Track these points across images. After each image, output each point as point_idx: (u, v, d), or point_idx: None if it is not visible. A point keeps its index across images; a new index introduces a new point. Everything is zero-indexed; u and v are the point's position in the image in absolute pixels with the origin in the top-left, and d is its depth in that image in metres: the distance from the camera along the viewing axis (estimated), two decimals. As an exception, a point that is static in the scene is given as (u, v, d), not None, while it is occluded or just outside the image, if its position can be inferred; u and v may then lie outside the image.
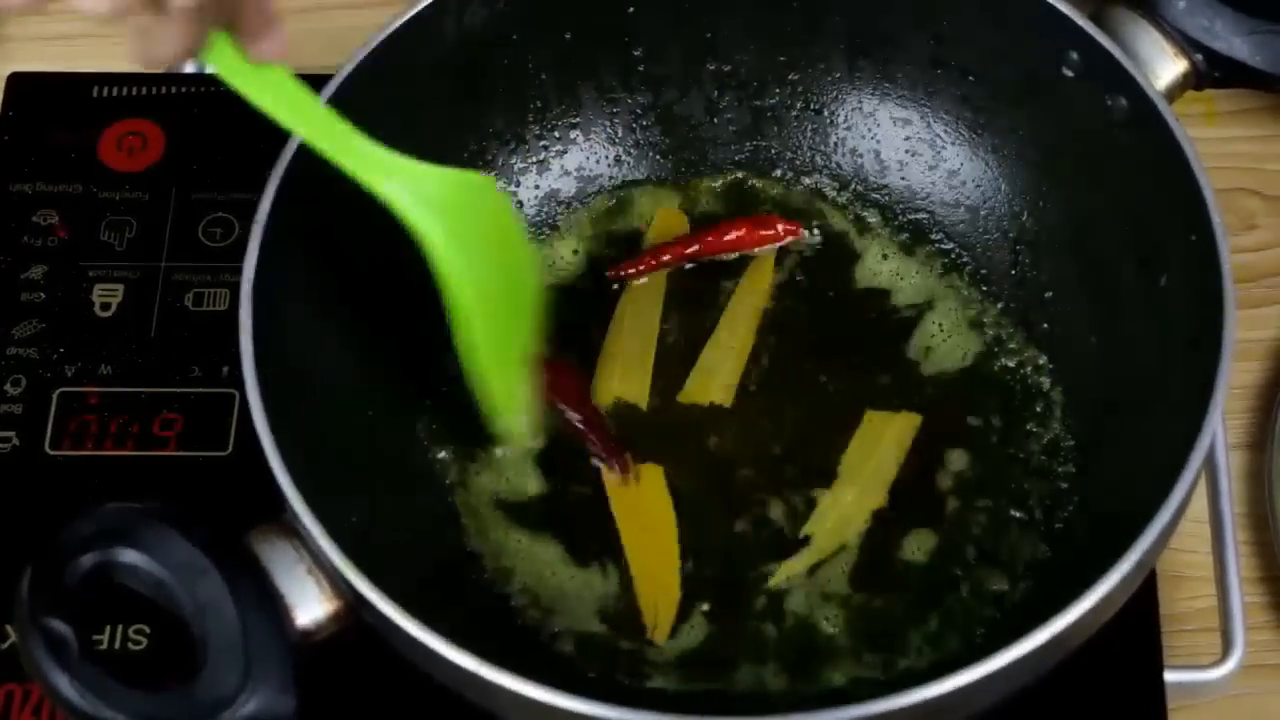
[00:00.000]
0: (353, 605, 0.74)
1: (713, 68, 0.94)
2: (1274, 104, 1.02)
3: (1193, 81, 0.87)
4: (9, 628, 0.85)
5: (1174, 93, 0.87)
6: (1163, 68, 0.86)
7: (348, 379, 0.86)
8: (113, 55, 1.05)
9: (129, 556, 0.72)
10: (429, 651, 0.73)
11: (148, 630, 0.85)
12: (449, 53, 0.88)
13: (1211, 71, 0.87)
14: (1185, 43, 0.86)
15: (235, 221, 0.96)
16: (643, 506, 0.86)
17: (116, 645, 0.84)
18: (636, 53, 0.93)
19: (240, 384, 0.77)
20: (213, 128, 0.98)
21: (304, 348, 0.83)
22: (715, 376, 0.89)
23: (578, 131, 0.94)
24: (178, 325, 0.93)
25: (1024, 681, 0.74)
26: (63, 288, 0.94)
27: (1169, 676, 0.84)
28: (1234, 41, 0.86)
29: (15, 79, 1.00)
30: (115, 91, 1.00)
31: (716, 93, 0.94)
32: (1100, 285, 0.88)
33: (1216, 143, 1.01)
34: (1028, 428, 0.87)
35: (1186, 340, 0.81)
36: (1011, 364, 0.89)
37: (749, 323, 0.91)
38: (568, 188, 0.94)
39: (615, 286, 0.92)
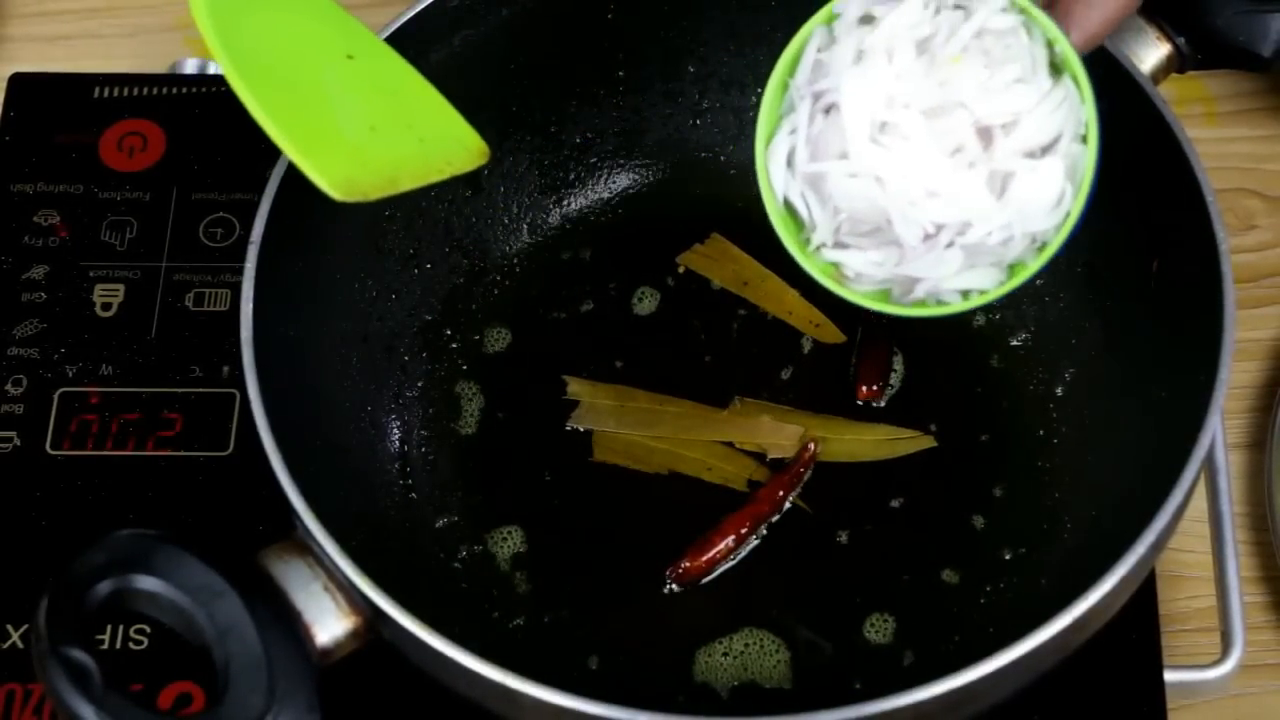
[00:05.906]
0: (371, 620, 0.73)
1: (694, 70, 0.93)
2: (1274, 104, 1.02)
3: (1176, 64, 0.86)
4: (11, 630, 0.85)
5: (1158, 76, 0.86)
6: (1146, 51, 0.86)
7: (349, 378, 0.86)
8: (113, 55, 1.06)
9: (145, 583, 0.71)
10: (451, 663, 0.72)
11: (148, 630, 0.85)
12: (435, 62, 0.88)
13: (1195, 54, 0.86)
14: (1168, 25, 0.86)
15: (235, 221, 0.96)
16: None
17: (118, 645, 0.84)
18: (617, 58, 0.92)
19: (240, 384, 0.77)
20: (213, 128, 0.98)
21: (305, 347, 0.83)
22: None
23: (558, 140, 0.93)
24: (178, 325, 0.93)
25: (1024, 681, 0.74)
26: (64, 288, 0.94)
27: (1169, 676, 0.84)
28: (1216, 23, 0.85)
29: (16, 80, 1.00)
30: (115, 92, 1.00)
31: (699, 95, 0.94)
32: (1096, 283, 0.88)
33: (1216, 143, 1.01)
34: (1024, 424, 0.88)
35: (1186, 340, 0.80)
36: (1006, 361, 0.89)
37: None
38: (552, 197, 0.94)
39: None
